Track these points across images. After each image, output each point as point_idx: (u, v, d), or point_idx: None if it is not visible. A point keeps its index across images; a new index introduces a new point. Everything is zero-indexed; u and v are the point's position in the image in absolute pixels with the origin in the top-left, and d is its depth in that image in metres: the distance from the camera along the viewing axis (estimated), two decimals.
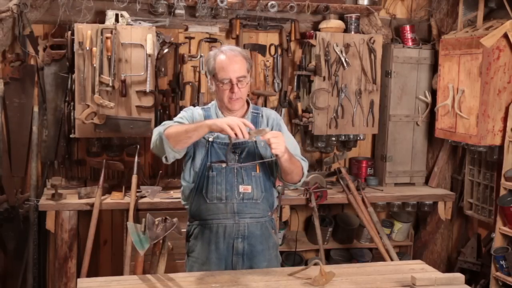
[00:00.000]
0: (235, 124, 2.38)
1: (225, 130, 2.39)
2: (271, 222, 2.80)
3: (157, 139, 2.57)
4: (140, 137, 4.10)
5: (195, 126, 2.49)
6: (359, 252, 4.69)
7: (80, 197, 3.90)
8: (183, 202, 2.80)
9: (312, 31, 4.41)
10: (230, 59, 2.61)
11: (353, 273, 2.58)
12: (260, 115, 2.76)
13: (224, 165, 2.62)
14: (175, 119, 2.70)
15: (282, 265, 3.00)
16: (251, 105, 2.76)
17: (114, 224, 4.37)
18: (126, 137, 4.03)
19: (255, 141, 2.64)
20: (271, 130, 2.67)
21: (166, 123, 2.64)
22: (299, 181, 2.73)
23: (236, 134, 2.37)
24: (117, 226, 4.34)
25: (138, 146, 4.06)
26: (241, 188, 2.65)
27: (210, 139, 2.65)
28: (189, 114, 2.71)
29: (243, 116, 2.68)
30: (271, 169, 2.75)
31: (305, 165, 2.73)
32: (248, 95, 2.77)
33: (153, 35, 3.92)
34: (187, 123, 2.62)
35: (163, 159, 2.62)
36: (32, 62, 4.13)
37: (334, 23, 4.40)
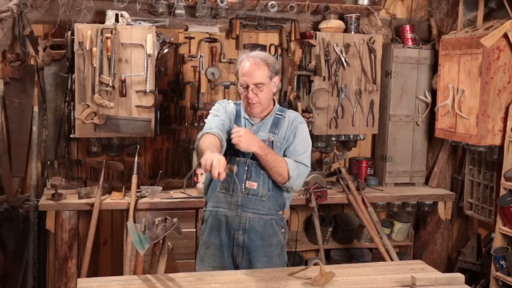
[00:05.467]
0: (208, 164, 2.38)
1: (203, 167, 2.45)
2: (281, 221, 2.87)
3: (196, 148, 2.74)
4: (140, 137, 4.09)
5: (202, 152, 2.56)
6: (359, 252, 4.68)
7: (80, 197, 3.90)
8: (203, 191, 3.00)
9: (312, 31, 4.41)
10: (251, 65, 2.75)
11: (353, 273, 2.59)
12: (283, 117, 2.85)
13: (238, 158, 2.77)
14: (212, 111, 2.88)
15: (286, 265, 3.00)
16: (277, 106, 2.87)
17: (114, 224, 4.38)
18: (126, 137, 4.04)
19: (272, 141, 2.78)
20: (286, 131, 2.82)
21: (207, 121, 2.82)
22: (283, 183, 2.77)
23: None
24: (117, 226, 4.34)
25: (138, 146, 4.06)
26: (248, 184, 2.77)
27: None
28: (223, 107, 2.88)
29: (264, 118, 2.82)
30: None
31: (293, 167, 2.74)
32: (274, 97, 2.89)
33: (153, 35, 3.92)
34: (220, 119, 2.79)
35: None
36: (32, 62, 4.13)
37: (334, 23, 4.40)
